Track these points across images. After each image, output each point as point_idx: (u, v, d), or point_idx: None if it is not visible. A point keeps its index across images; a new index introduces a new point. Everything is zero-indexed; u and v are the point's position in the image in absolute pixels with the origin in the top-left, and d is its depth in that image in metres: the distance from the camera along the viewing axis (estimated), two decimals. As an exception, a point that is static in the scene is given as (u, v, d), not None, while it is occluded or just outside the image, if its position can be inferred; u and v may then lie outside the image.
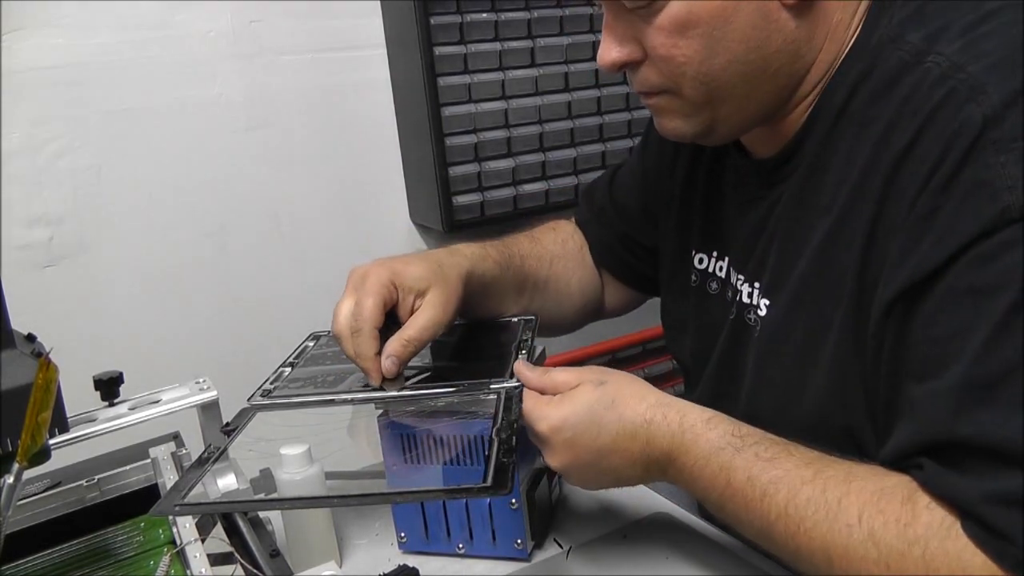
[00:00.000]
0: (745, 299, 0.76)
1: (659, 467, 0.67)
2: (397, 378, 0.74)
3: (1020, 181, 0.52)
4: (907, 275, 0.57)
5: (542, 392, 0.71)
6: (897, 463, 0.58)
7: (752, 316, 0.75)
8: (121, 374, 0.75)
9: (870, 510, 0.55)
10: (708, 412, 0.66)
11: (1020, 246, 0.52)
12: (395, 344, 0.74)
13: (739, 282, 0.78)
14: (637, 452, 0.66)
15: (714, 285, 0.84)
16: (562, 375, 0.71)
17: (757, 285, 0.75)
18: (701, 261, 0.86)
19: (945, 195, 0.55)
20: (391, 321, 0.76)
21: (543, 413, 0.68)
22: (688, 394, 0.90)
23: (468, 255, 0.84)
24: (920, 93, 0.59)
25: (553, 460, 0.69)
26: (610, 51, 0.68)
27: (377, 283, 0.75)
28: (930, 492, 0.54)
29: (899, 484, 0.56)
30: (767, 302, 0.73)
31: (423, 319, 0.76)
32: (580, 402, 0.67)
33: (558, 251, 1.00)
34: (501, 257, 0.89)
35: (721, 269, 0.83)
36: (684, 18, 0.63)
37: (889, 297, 0.59)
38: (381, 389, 0.74)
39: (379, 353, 0.74)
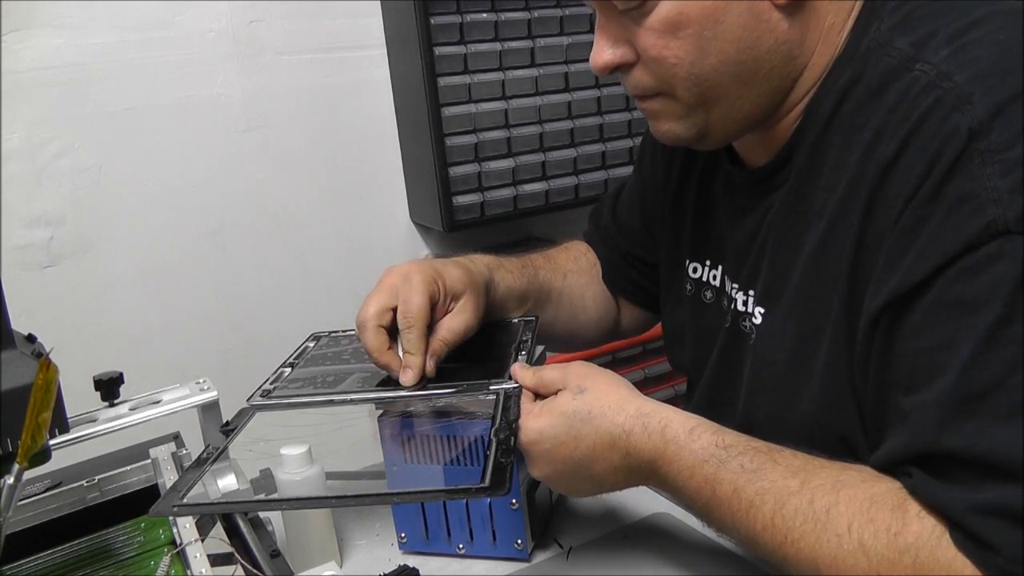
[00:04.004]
0: (740, 307, 0.76)
1: (642, 475, 0.66)
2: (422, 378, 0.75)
3: (1005, 194, 0.52)
4: (893, 287, 0.57)
5: (536, 392, 0.71)
6: (887, 470, 0.58)
7: (747, 324, 0.75)
8: (121, 374, 0.74)
9: (860, 519, 0.55)
10: (692, 421, 0.65)
11: (1006, 259, 0.51)
12: (437, 344, 0.75)
13: (733, 290, 0.78)
14: (618, 461, 0.66)
15: (708, 294, 0.84)
16: (550, 373, 0.71)
17: (751, 293, 0.75)
18: (695, 270, 0.86)
19: (931, 207, 0.55)
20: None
21: (521, 425, 0.68)
22: (687, 401, 0.90)
23: (487, 264, 0.86)
24: (907, 101, 0.58)
25: (534, 471, 0.69)
26: (602, 53, 0.68)
27: (424, 282, 0.75)
28: (920, 501, 0.54)
29: (889, 491, 0.56)
30: (762, 310, 0.73)
31: (458, 323, 0.77)
32: (556, 413, 0.67)
33: (572, 266, 1.00)
34: (515, 268, 0.91)
35: (715, 278, 0.83)
36: (675, 18, 0.63)
37: (876, 308, 0.59)
38: (390, 388, 0.75)
39: (424, 351, 0.74)
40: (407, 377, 0.74)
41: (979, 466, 0.51)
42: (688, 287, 0.86)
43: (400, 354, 0.75)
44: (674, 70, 0.66)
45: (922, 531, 0.53)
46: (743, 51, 0.64)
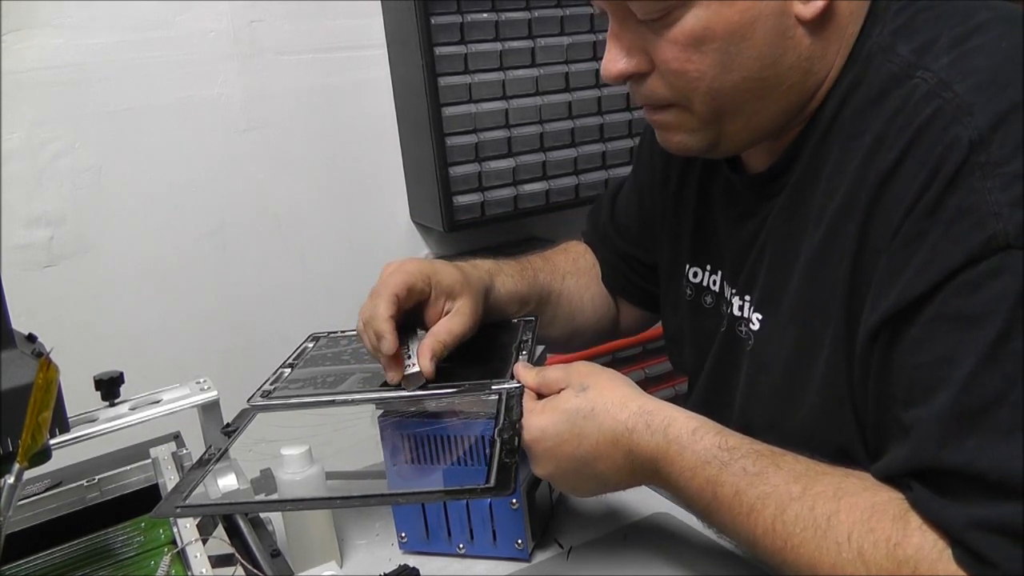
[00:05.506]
0: (736, 312, 0.76)
1: (644, 474, 0.66)
2: (419, 377, 0.75)
3: (1006, 208, 0.51)
4: (893, 300, 0.57)
5: (539, 392, 0.71)
6: (887, 482, 0.58)
7: (744, 329, 0.74)
8: (122, 374, 0.74)
9: (860, 528, 0.55)
10: (695, 421, 0.64)
11: (1006, 274, 0.51)
12: (436, 345, 0.75)
13: (731, 294, 0.78)
14: (621, 459, 0.65)
15: (708, 299, 0.83)
16: (553, 373, 0.71)
17: (748, 298, 0.74)
18: (695, 275, 0.85)
19: (931, 220, 0.55)
20: (414, 320, 0.77)
21: (524, 423, 0.68)
22: (686, 402, 0.90)
23: (487, 269, 0.86)
24: (908, 109, 0.58)
25: (537, 469, 0.69)
26: (616, 62, 0.67)
27: (417, 270, 0.76)
28: (921, 514, 0.54)
29: (891, 501, 0.56)
30: (760, 316, 0.72)
31: (456, 325, 0.77)
32: (560, 411, 0.67)
33: (570, 268, 1.00)
34: (515, 272, 0.91)
35: (715, 283, 0.82)
36: (700, 32, 0.62)
37: (875, 322, 0.58)
38: (390, 388, 0.75)
39: (393, 317, 0.74)
40: (383, 346, 0.73)
41: (980, 483, 0.51)
42: (688, 291, 0.86)
43: (408, 356, 0.75)
44: (695, 84, 0.64)
45: (923, 544, 0.53)
46: (766, 67, 0.63)
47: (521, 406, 0.69)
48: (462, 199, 1.68)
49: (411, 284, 0.75)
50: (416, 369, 0.74)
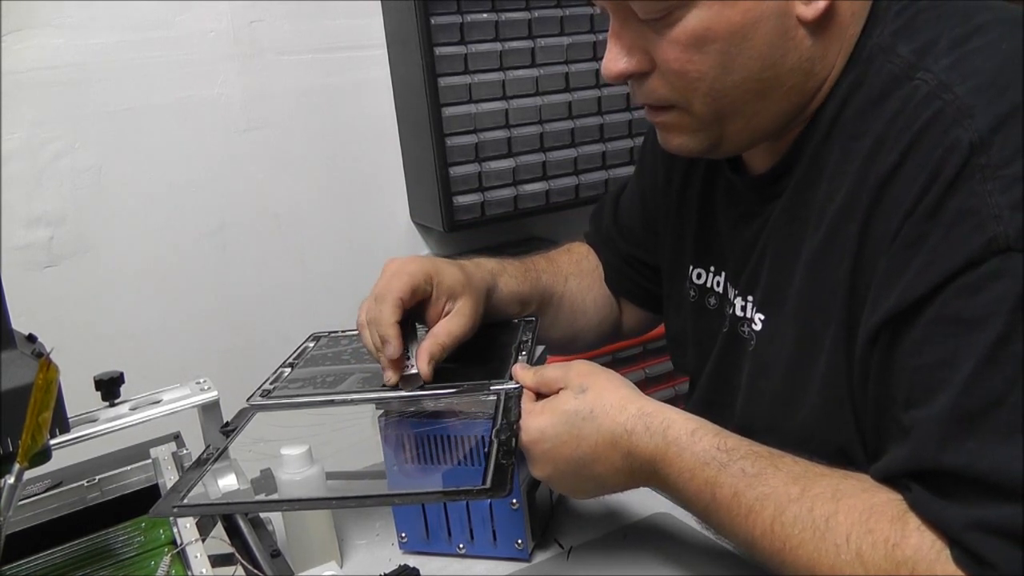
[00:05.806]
0: (739, 312, 0.76)
1: (643, 476, 0.66)
2: (417, 379, 0.75)
3: (1007, 210, 0.52)
4: (893, 302, 0.57)
5: (537, 391, 0.71)
6: (885, 482, 0.58)
7: (746, 329, 0.74)
8: (122, 374, 0.75)
9: (859, 530, 0.55)
10: (693, 423, 0.64)
11: (1006, 277, 0.51)
12: (435, 348, 0.75)
13: (734, 295, 0.78)
14: (619, 461, 0.65)
15: (712, 300, 0.83)
16: (551, 372, 0.71)
17: (750, 299, 0.74)
18: (699, 276, 0.85)
19: (932, 222, 0.55)
20: (415, 317, 0.77)
21: (522, 424, 0.68)
22: (687, 402, 0.90)
23: (490, 269, 0.86)
24: (908, 111, 0.58)
25: (535, 470, 0.69)
26: (617, 61, 0.67)
27: (420, 270, 0.76)
28: (919, 515, 0.54)
29: (889, 502, 0.56)
30: (762, 316, 0.72)
31: (455, 326, 0.77)
32: (558, 412, 0.67)
33: (573, 270, 1.00)
34: (518, 272, 0.91)
35: (719, 284, 0.82)
36: (701, 33, 0.62)
37: (875, 323, 0.59)
38: (390, 388, 0.75)
39: (398, 322, 0.74)
40: (388, 351, 0.73)
41: (979, 484, 0.51)
42: (692, 293, 0.86)
43: (407, 357, 0.75)
44: (695, 84, 0.64)
45: (921, 544, 0.53)
46: (766, 68, 0.64)
47: (519, 407, 0.70)
48: (462, 199, 1.68)
49: (415, 286, 0.76)
50: (415, 371, 0.74)
